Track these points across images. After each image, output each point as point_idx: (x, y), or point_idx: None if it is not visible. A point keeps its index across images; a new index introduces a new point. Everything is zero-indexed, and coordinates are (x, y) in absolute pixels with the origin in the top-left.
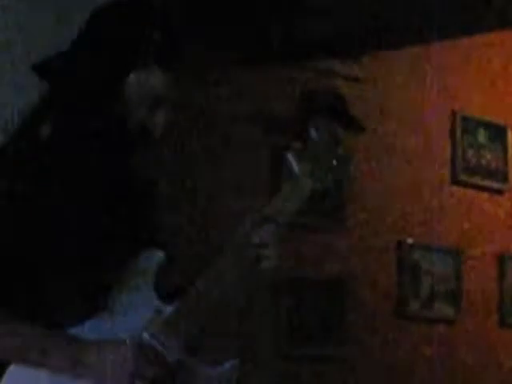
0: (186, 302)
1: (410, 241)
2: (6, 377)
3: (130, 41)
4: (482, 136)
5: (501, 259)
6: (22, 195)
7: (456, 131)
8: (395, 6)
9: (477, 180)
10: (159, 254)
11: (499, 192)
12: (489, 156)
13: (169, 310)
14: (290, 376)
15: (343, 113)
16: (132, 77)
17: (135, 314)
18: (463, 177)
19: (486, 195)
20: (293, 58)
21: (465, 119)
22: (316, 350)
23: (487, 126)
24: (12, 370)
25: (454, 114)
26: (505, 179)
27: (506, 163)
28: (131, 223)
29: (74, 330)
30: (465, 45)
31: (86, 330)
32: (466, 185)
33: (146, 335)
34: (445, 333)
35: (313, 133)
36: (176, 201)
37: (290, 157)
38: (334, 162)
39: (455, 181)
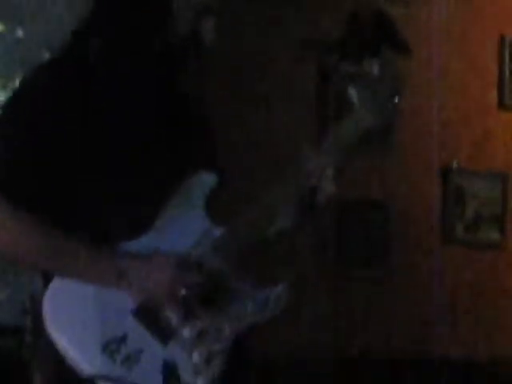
0: (235, 226)
1: (455, 165)
2: (49, 292)
3: None
4: None
5: None
6: (72, 115)
7: (504, 55)
8: None
9: None
10: (211, 177)
11: None
12: None
13: (217, 233)
14: (336, 297)
15: (392, 35)
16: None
17: (184, 236)
18: (510, 101)
19: None
20: None
21: None
22: (362, 273)
23: None
24: (56, 284)
25: (502, 38)
26: None
27: None
28: (184, 145)
29: (122, 247)
30: None
31: (133, 248)
32: None
33: (193, 256)
34: (489, 258)
35: (374, 67)
36: (228, 126)
37: (351, 90)
38: (396, 99)
39: (502, 105)
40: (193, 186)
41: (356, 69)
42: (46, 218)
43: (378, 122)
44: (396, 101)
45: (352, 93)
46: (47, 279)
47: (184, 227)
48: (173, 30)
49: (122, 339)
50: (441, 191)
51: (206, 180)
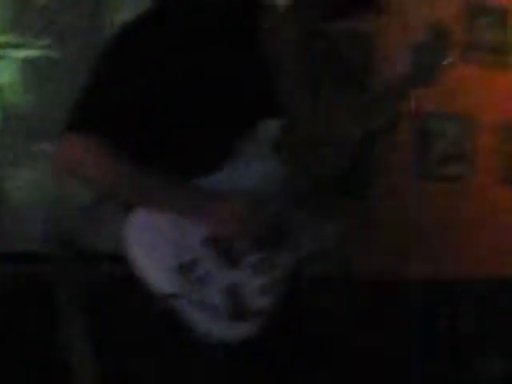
0: (302, 166)
1: (427, 108)
2: (132, 220)
3: None
4: (490, 18)
5: (504, 126)
6: (167, 69)
7: (466, 16)
8: None
9: (485, 57)
10: (275, 124)
11: (504, 67)
12: (495, 36)
13: (283, 174)
14: None
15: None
16: None
17: (253, 177)
18: (471, 54)
19: (491, 71)
20: None
21: (473, 4)
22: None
23: (495, 9)
24: (138, 214)
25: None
26: (508, 55)
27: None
28: (258, 94)
29: (197, 182)
30: None
31: (209, 183)
32: (474, 62)
33: (264, 194)
34: (452, 188)
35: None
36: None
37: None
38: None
39: (464, 58)
40: (260, 132)
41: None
42: (139, 158)
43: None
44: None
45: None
46: (127, 209)
47: (253, 170)
48: None
49: (194, 263)
50: (412, 132)
51: (271, 126)
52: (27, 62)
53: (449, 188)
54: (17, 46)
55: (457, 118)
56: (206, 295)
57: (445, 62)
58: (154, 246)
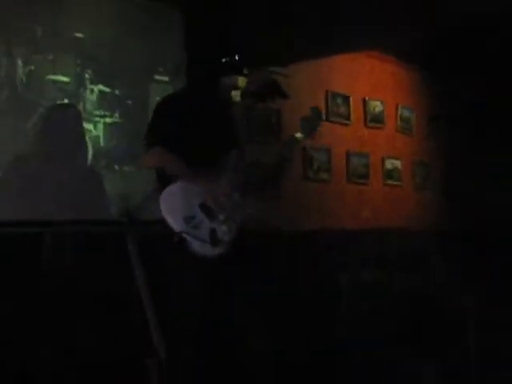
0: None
1: (308, 145)
2: (163, 193)
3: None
4: (339, 99)
5: (348, 153)
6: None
7: (328, 98)
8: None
9: (337, 119)
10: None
11: (346, 124)
12: (342, 108)
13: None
14: None
15: (279, 88)
16: (224, 79)
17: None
18: (331, 118)
19: (340, 126)
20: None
21: (332, 93)
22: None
23: (341, 95)
24: (166, 189)
25: (326, 91)
26: (349, 118)
27: (349, 112)
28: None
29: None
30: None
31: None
32: (332, 122)
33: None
34: (322, 187)
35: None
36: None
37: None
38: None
39: (327, 119)
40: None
41: (265, 105)
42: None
43: (307, 137)
44: (319, 126)
45: (300, 121)
46: (161, 188)
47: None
48: (222, 93)
49: (193, 217)
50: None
51: (233, 154)
52: (109, 125)
53: (320, 185)
54: (104, 116)
55: (324, 149)
56: (199, 234)
57: (318, 127)
58: (172, 206)
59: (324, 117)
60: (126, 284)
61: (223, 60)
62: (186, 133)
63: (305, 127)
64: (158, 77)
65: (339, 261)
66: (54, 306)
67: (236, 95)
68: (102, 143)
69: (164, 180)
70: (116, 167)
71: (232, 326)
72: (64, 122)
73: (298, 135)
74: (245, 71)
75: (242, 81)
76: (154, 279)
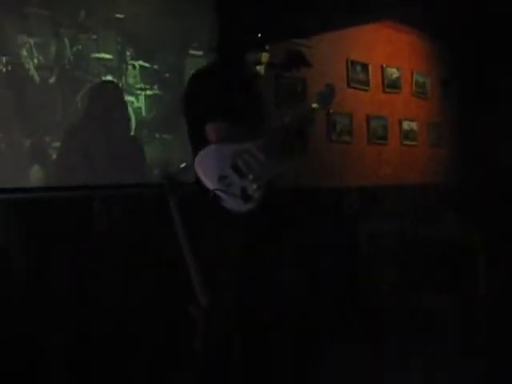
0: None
1: (331, 110)
2: (198, 155)
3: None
4: (358, 67)
5: (368, 117)
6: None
7: (348, 66)
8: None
9: (357, 85)
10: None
11: (365, 90)
12: (361, 75)
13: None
14: None
15: (303, 58)
16: (248, 56)
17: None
18: (352, 83)
19: (360, 92)
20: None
21: (352, 61)
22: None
23: (360, 63)
24: (201, 152)
25: (347, 59)
26: (368, 85)
27: (368, 78)
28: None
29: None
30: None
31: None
32: (353, 87)
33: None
34: (345, 148)
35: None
36: None
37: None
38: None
39: (349, 85)
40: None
41: (290, 74)
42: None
43: (323, 108)
44: (333, 100)
45: (315, 96)
46: (196, 152)
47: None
48: (246, 68)
49: (225, 176)
50: (326, 122)
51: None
52: (149, 97)
53: (343, 146)
54: (144, 89)
55: (346, 113)
56: (232, 191)
57: (333, 102)
58: (207, 167)
59: (345, 85)
60: (169, 241)
61: (247, 37)
62: (221, 102)
63: (320, 101)
64: (192, 51)
65: (362, 214)
66: (106, 263)
67: (260, 69)
68: (143, 114)
69: (198, 144)
70: (157, 135)
71: (266, 279)
72: (107, 96)
73: (315, 105)
74: (267, 47)
75: (264, 56)
76: (194, 235)
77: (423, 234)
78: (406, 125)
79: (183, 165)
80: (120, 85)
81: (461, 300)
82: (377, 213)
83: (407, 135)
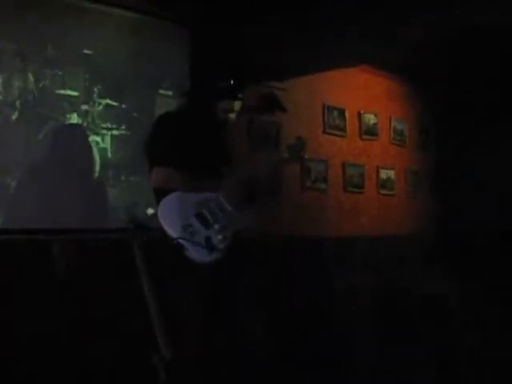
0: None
1: (306, 156)
2: (161, 203)
3: (222, 87)
4: (335, 112)
5: (343, 164)
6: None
7: (325, 111)
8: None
9: (333, 131)
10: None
11: (343, 136)
12: (338, 121)
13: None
14: None
15: (277, 102)
16: (222, 103)
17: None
18: (328, 130)
19: (337, 138)
20: (255, 80)
21: (328, 106)
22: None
23: (337, 108)
24: (164, 200)
25: (323, 104)
26: (345, 131)
27: (345, 124)
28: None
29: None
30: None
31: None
32: (329, 134)
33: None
34: (319, 196)
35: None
36: None
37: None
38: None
39: (324, 132)
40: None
41: (263, 118)
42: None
43: (293, 160)
44: (302, 154)
45: (285, 148)
46: (159, 199)
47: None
48: (218, 116)
49: (189, 225)
50: (300, 168)
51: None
52: (116, 137)
53: (318, 194)
54: (111, 129)
55: (321, 160)
56: (196, 240)
57: (302, 155)
58: (170, 215)
59: (322, 129)
60: (132, 288)
61: (219, 85)
62: (183, 149)
63: (290, 153)
64: (162, 91)
65: (336, 266)
66: (66, 308)
67: (232, 117)
68: (109, 155)
69: (161, 192)
70: (123, 178)
71: (230, 327)
72: (71, 137)
73: (286, 156)
74: (240, 95)
75: (237, 104)
76: (159, 283)
77: (400, 287)
78: (383, 173)
79: (150, 209)
80: (85, 124)
81: (436, 351)
82: (353, 264)
83: (384, 184)
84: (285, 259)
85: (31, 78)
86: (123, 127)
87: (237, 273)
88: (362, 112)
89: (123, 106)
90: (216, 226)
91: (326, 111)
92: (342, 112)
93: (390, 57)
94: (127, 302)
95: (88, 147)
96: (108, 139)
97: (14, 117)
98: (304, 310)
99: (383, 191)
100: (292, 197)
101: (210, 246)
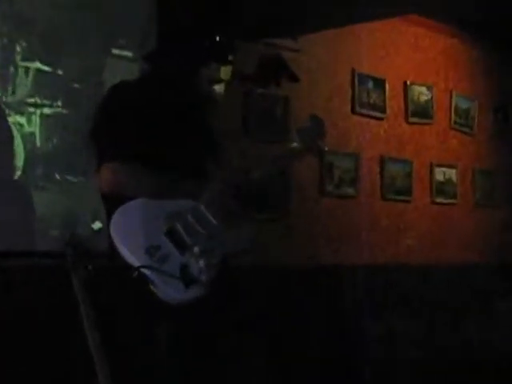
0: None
1: (326, 148)
2: (113, 219)
3: (203, 47)
4: (370, 84)
5: (382, 159)
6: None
7: (354, 82)
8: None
9: (367, 111)
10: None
11: (380, 119)
12: (374, 96)
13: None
14: None
15: (286, 68)
16: (203, 70)
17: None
18: (359, 109)
19: (372, 121)
20: (253, 36)
21: (359, 74)
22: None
23: (373, 78)
24: (116, 215)
25: (353, 71)
26: (383, 111)
27: (384, 101)
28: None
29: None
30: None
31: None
32: (360, 114)
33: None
34: (345, 205)
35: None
36: None
37: (296, 133)
38: (320, 141)
39: (354, 112)
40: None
41: (266, 91)
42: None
43: (308, 152)
44: (319, 143)
45: (294, 133)
46: (111, 210)
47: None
48: (199, 88)
49: (157, 247)
50: (318, 165)
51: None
52: (48, 117)
53: (343, 203)
54: (41, 106)
55: (349, 153)
56: (168, 269)
57: (320, 144)
58: (128, 233)
59: (350, 108)
60: (71, 331)
61: (200, 43)
62: (147, 137)
63: (303, 142)
64: (116, 51)
65: (366, 308)
66: None
67: (219, 90)
68: (37, 143)
69: (114, 199)
70: (57, 177)
71: None
72: None
73: (295, 146)
74: (230, 57)
75: (225, 71)
76: (109, 326)
77: (460, 337)
78: (439, 173)
79: (97, 224)
80: (3, 99)
81: None
82: (392, 302)
83: (442, 189)
84: (294, 297)
85: None
86: (59, 103)
87: (225, 318)
88: (409, 83)
89: (59, 72)
90: (196, 249)
91: (356, 82)
92: (380, 83)
93: (453, 4)
94: (66, 349)
95: (5, 132)
96: (36, 121)
97: None
98: (323, 364)
99: (440, 199)
100: (306, 207)
101: (187, 277)
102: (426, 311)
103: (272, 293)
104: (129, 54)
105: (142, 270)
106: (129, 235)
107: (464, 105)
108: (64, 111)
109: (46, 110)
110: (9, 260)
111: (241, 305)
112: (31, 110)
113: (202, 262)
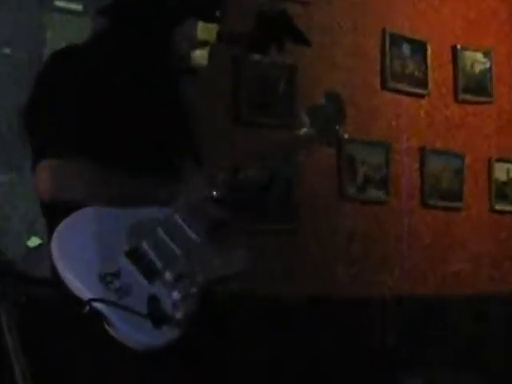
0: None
1: (346, 136)
2: (56, 235)
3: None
4: (406, 49)
5: (422, 151)
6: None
7: (385, 45)
8: None
9: (402, 86)
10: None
11: (421, 96)
12: (412, 66)
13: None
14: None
15: (292, 29)
16: (179, 28)
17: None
18: (390, 84)
19: (408, 99)
20: None
21: (392, 35)
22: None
23: (411, 40)
24: (61, 229)
25: (383, 31)
26: (425, 85)
27: (425, 72)
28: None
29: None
30: None
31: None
32: (393, 90)
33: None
34: (373, 213)
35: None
36: None
37: (303, 113)
38: (338, 127)
39: (384, 87)
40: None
41: (264, 59)
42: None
43: (321, 141)
44: (337, 128)
45: (303, 115)
46: (50, 225)
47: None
48: (171, 54)
49: (116, 274)
50: (335, 158)
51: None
52: None
53: (369, 209)
54: None
55: (377, 143)
56: (129, 303)
57: (338, 128)
58: (76, 254)
59: (379, 86)
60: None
61: None
62: (101, 122)
63: (314, 126)
64: (60, 3)
65: (400, 355)
66: None
67: (200, 57)
68: None
69: (56, 207)
70: None
71: None
72: None
73: (304, 132)
74: (217, 13)
75: (210, 31)
76: (50, 372)
77: None
78: (501, 170)
79: (33, 239)
80: None
81: None
82: (436, 348)
83: (504, 191)
84: (300, 337)
85: None
86: None
87: (207, 367)
88: (459, 48)
89: None
90: (168, 275)
91: (387, 45)
92: (419, 47)
93: None
94: None
95: None
96: None
97: None
98: None
99: (501, 205)
100: (319, 216)
101: (157, 314)
102: (483, 358)
103: (272, 333)
104: (78, 6)
105: (95, 304)
106: (77, 256)
107: None
108: None
109: None
110: None
111: (230, 349)
112: None
113: (176, 294)
